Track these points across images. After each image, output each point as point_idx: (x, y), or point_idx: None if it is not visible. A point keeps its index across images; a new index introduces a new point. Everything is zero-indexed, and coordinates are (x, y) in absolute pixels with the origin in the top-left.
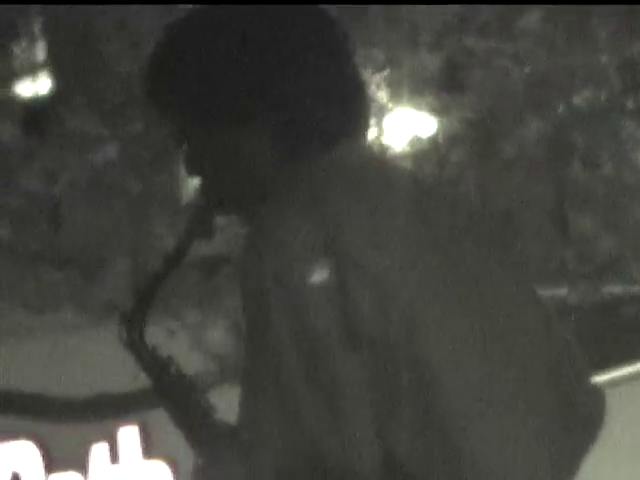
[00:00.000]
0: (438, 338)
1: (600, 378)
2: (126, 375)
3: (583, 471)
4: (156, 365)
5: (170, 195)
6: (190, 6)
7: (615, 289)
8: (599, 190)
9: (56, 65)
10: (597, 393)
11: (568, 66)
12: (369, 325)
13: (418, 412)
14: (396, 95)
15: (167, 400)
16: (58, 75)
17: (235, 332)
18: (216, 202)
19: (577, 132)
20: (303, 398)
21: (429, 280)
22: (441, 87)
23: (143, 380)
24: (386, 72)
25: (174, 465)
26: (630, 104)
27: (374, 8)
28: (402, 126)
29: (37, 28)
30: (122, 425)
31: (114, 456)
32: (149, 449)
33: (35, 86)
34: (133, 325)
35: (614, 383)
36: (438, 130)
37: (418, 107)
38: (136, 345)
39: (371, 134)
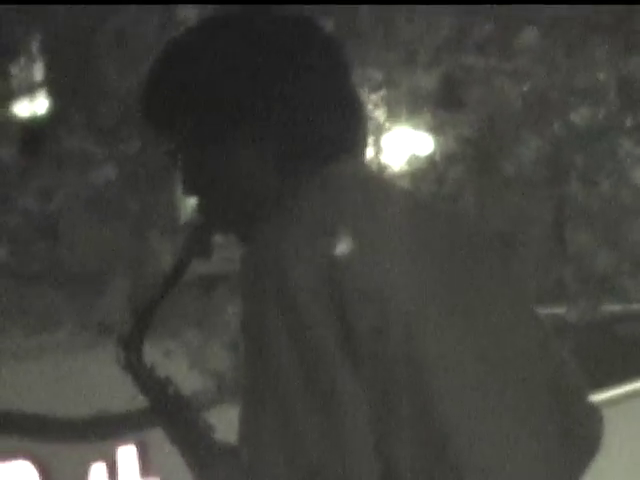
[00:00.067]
0: (437, 354)
1: (598, 396)
2: (124, 395)
3: None
4: (154, 386)
5: (168, 214)
6: (189, 20)
7: (613, 307)
8: (597, 208)
9: (54, 84)
10: (595, 411)
11: (566, 84)
12: (369, 341)
13: (417, 427)
14: (394, 113)
15: (165, 420)
16: (55, 94)
17: (234, 351)
18: (214, 221)
19: (575, 150)
20: (303, 415)
21: (428, 297)
22: (439, 105)
23: (141, 400)
24: (384, 90)
25: None
26: (628, 122)
27: (372, 26)
28: (400, 144)
29: (35, 47)
30: (120, 445)
31: (112, 476)
32: (147, 469)
33: (33, 105)
34: (131, 346)
35: (612, 401)
36: (436, 148)
37: (416, 125)
38: (134, 366)
39: (370, 152)
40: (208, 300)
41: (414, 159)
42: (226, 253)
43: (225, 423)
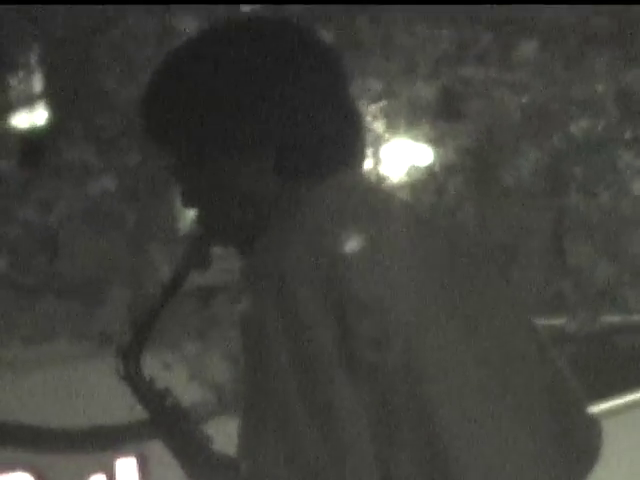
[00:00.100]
0: (436, 364)
1: (597, 407)
2: (123, 406)
3: None
4: (153, 397)
5: (168, 225)
6: (188, 31)
7: (612, 318)
8: (596, 219)
9: (53, 96)
10: (594, 422)
11: (565, 95)
12: (369, 351)
13: (417, 438)
14: (394, 124)
15: (164, 432)
16: (55, 106)
17: (233, 362)
18: (213, 233)
19: (575, 162)
20: (303, 426)
21: (428, 307)
22: (438, 116)
23: (141, 411)
24: (384, 101)
25: None
26: (627, 134)
27: (371, 37)
28: (400, 155)
29: (34, 59)
30: (120, 456)
31: None
32: None
33: (32, 117)
34: (130, 357)
35: (611, 412)
36: (436, 159)
37: (416, 136)
38: (133, 377)
39: (369, 163)
40: (207, 311)
41: (413, 170)
42: (225, 264)
43: (224, 435)
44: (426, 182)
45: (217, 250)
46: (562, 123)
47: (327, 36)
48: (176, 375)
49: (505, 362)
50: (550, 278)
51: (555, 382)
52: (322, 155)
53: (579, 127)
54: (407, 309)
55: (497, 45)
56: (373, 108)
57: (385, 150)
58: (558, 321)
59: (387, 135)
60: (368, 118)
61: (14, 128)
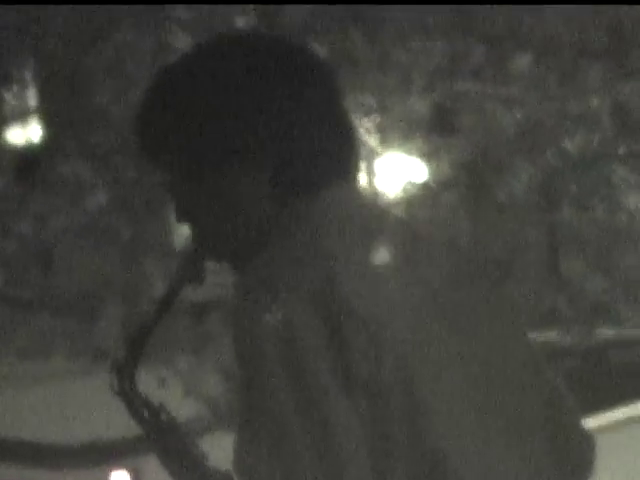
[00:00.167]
0: (431, 381)
1: (591, 422)
2: (118, 421)
3: None
4: (147, 413)
5: (162, 241)
6: (182, 47)
7: (606, 333)
8: (591, 234)
9: (47, 112)
10: (587, 437)
11: (560, 110)
12: (364, 368)
13: (413, 454)
14: (388, 139)
15: (159, 447)
16: (49, 122)
17: (227, 378)
18: (207, 249)
19: (569, 176)
20: (298, 443)
21: (422, 324)
22: (433, 131)
23: (135, 426)
24: (378, 116)
25: None
26: (621, 149)
27: (365, 52)
28: (394, 170)
29: (28, 74)
30: (114, 470)
31: None
32: None
33: (26, 132)
34: (124, 373)
35: (605, 427)
36: (430, 174)
37: (410, 151)
38: (127, 393)
39: (363, 178)
40: (202, 327)
41: (408, 185)
42: (219, 279)
43: (219, 450)
44: (420, 197)
45: (211, 265)
46: (556, 138)
47: (321, 51)
48: (171, 390)
49: (500, 377)
50: (544, 293)
51: (549, 397)
52: (317, 170)
53: (573, 142)
54: (402, 325)
55: (491, 59)
56: (367, 123)
57: (379, 165)
58: (552, 335)
59: (381, 150)
60: (362, 133)
61: (8, 143)
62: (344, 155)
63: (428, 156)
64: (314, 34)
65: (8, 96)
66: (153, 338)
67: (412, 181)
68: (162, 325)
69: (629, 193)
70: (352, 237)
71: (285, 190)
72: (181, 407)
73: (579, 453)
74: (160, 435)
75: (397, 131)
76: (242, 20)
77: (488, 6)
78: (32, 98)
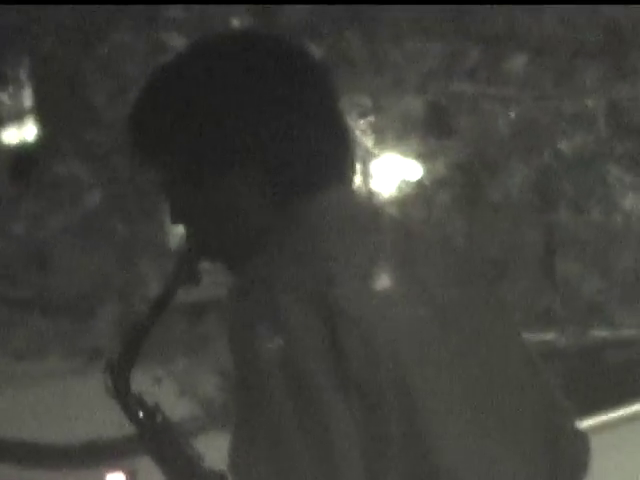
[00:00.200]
0: (426, 381)
1: (587, 422)
2: (114, 422)
3: None
4: (142, 414)
5: (158, 241)
6: (177, 48)
7: (601, 333)
8: (586, 235)
9: (43, 112)
10: (582, 438)
11: (555, 110)
12: (359, 369)
13: (408, 455)
14: (383, 140)
15: (153, 448)
16: (45, 121)
17: (223, 378)
18: (202, 250)
19: (564, 177)
20: (294, 443)
21: (418, 324)
22: (428, 131)
23: (130, 427)
24: (373, 116)
25: None
26: (617, 149)
27: (361, 52)
28: (390, 171)
29: (23, 75)
30: (109, 472)
31: None
32: None
33: (22, 133)
34: (119, 374)
35: (601, 427)
36: (425, 174)
37: (405, 152)
38: (122, 394)
39: (359, 179)
40: (197, 327)
41: (403, 185)
42: (214, 278)
43: (214, 450)
44: (415, 197)
45: (206, 265)
46: (552, 138)
47: (317, 51)
48: (166, 390)
49: (495, 377)
50: (540, 293)
51: (544, 397)
52: (312, 171)
53: (569, 142)
54: (398, 326)
55: (487, 60)
56: (362, 123)
57: (375, 165)
58: (548, 336)
59: (377, 150)
60: (358, 133)
61: (4, 143)
62: (340, 156)
63: (424, 156)
64: (310, 34)
65: (3, 96)
66: (149, 338)
67: (408, 181)
68: (158, 325)
69: (625, 194)
70: (348, 238)
71: (280, 191)
72: (176, 407)
73: (574, 453)
74: (155, 436)
75: (393, 132)
76: (238, 20)
77: (484, 6)
78: (28, 98)
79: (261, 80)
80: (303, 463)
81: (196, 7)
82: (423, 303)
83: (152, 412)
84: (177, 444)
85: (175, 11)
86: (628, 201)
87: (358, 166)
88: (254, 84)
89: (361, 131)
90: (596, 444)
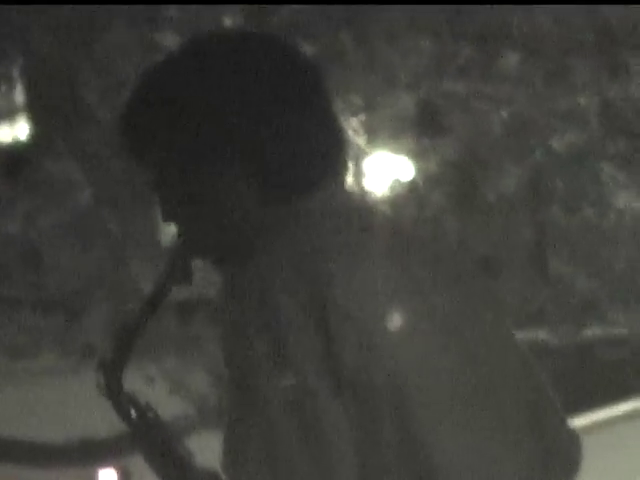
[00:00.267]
0: (419, 378)
1: (578, 420)
2: (106, 420)
3: None
4: (134, 412)
5: (150, 239)
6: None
7: (594, 332)
8: (578, 233)
9: (35, 110)
10: (573, 436)
11: (548, 109)
12: (353, 366)
13: (401, 452)
14: (376, 138)
15: (146, 446)
16: (37, 120)
17: (215, 377)
18: (194, 248)
19: (557, 175)
20: (287, 444)
21: (409, 325)
22: (420, 130)
23: (123, 425)
24: (365, 115)
25: None
26: (610, 147)
27: (353, 51)
28: (382, 169)
29: (16, 72)
30: (101, 469)
31: None
32: None
33: (14, 131)
34: (111, 372)
35: (592, 426)
36: (417, 173)
37: (397, 150)
38: (114, 393)
39: (351, 177)
40: (189, 326)
41: (396, 184)
42: (206, 277)
43: (206, 449)
44: (408, 196)
45: (199, 264)
46: (544, 136)
47: (309, 50)
48: (158, 389)
49: (487, 375)
50: (532, 291)
51: (536, 396)
52: (305, 170)
53: (561, 140)
54: (390, 323)
55: (479, 58)
56: (355, 122)
57: (367, 164)
58: (540, 334)
59: (369, 149)
60: (350, 132)
61: None
62: (333, 155)
63: (416, 155)
64: (303, 34)
65: None
66: (141, 337)
67: (400, 180)
68: (150, 324)
69: (617, 192)
70: (341, 237)
71: (273, 190)
72: (168, 406)
73: (565, 452)
74: (147, 434)
75: (385, 130)
76: (230, 20)
77: (476, 5)
78: (20, 96)
79: (254, 79)
80: (297, 463)
81: (190, 7)
82: (416, 302)
83: (144, 411)
84: (169, 443)
85: (169, 11)
86: (621, 199)
87: (351, 165)
88: (247, 83)
89: (353, 130)
90: (588, 442)
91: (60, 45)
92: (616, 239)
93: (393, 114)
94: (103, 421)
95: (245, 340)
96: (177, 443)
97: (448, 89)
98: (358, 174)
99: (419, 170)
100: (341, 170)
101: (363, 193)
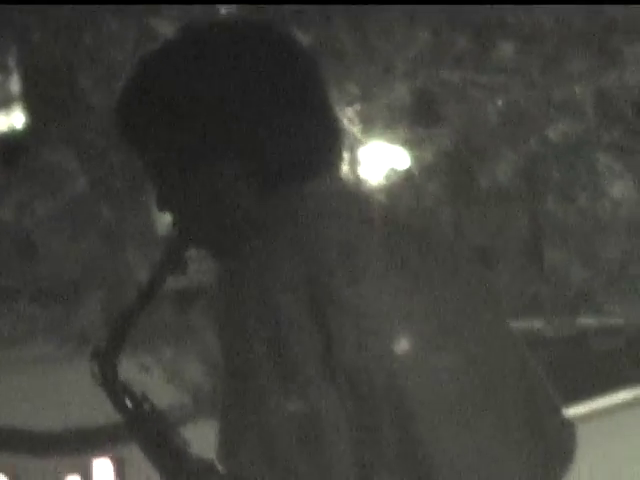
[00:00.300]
0: (414, 369)
1: (574, 410)
2: (101, 409)
3: None
4: (129, 401)
5: (146, 228)
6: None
7: (589, 322)
8: (574, 223)
9: (31, 98)
10: (568, 425)
11: (543, 98)
12: (349, 357)
13: (397, 443)
14: (371, 128)
15: (141, 436)
16: (33, 108)
17: (210, 366)
18: (189, 237)
19: (552, 165)
20: (283, 431)
21: (406, 313)
22: (416, 120)
23: (117, 414)
24: (361, 105)
25: None
26: (605, 137)
27: (348, 40)
28: (377, 159)
29: (11, 61)
30: (96, 458)
31: None
32: None
33: (9, 119)
34: (106, 362)
35: (586, 415)
36: (413, 162)
37: (393, 139)
38: (109, 382)
39: (347, 167)
40: (185, 315)
41: (391, 173)
42: (202, 266)
43: (202, 438)
44: (404, 185)
45: (195, 253)
46: (540, 126)
47: (304, 39)
48: (153, 378)
49: (482, 364)
50: (527, 281)
51: (531, 385)
52: (300, 159)
53: (557, 130)
54: (385, 313)
55: (474, 47)
56: (351, 111)
57: (363, 153)
58: (535, 324)
59: (365, 138)
60: (345, 121)
61: None
62: (328, 144)
63: (411, 144)
64: (298, 23)
65: None
66: (136, 326)
67: (396, 169)
68: (145, 313)
69: (613, 182)
70: (337, 226)
71: (269, 179)
72: (164, 395)
73: (560, 441)
74: (142, 423)
75: (380, 120)
76: (227, 8)
77: (475, 5)
78: (15, 85)
79: (249, 68)
80: (292, 452)
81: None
82: (410, 292)
83: (139, 400)
84: (165, 432)
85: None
86: (616, 189)
87: (346, 154)
88: (242, 72)
89: (349, 119)
90: (582, 432)
91: (55, 33)
92: (612, 229)
93: (389, 103)
94: (98, 410)
95: (242, 334)
96: (173, 432)
97: (444, 78)
98: (354, 164)
99: (415, 159)
100: (336, 159)
101: (359, 182)
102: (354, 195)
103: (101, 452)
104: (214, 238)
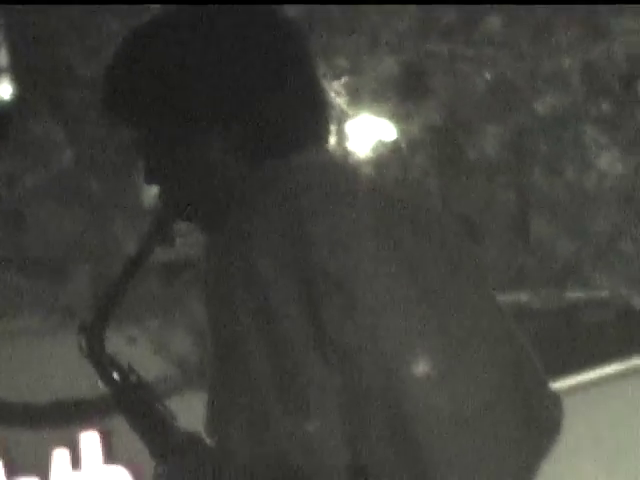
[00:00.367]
0: (402, 341)
1: (561, 383)
2: (88, 381)
3: (540, 476)
4: (116, 374)
5: (132, 201)
6: (153, 8)
7: (576, 295)
8: (561, 196)
9: (17, 71)
10: (554, 398)
11: (531, 71)
12: (337, 330)
13: (386, 418)
14: (359, 101)
15: (128, 408)
16: (19, 80)
17: (198, 337)
18: (177, 210)
19: (539, 137)
20: (271, 403)
21: (393, 286)
22: (403, 92)
23: (104, 387)
24: (348, 78)
25: (135, 471)
26: (593, 110)
27: (336, 14)
28: (365, 132)
29: None
30: (83, 431)
31: (75, 462)
32: (110, 455)
33: None
34: (93, 334)
35: (574, 388)
36: (401, 135)
37: (380, 112)
38: (96, 354)
39: (334, 139)
40: (171, 286)
41: (378, 146)
42: (189, 239)
43: (188, 410)
44: (391, 158)
45: (182, 226)
46: (528, 99)
47: (292, 12)
48: (140, 350)
49: (468, 337)
50: (514, 253)
51: (517, 358)
52: (288, 132)
53: (545, 103)
54: (372, 284)
55: (462, 20)
56: (338, 84)
57: (350, 126)
58: (522, 297)
59: (352, 111)
60: (333, 94)
61: None
62: (315, 117)
63: (399, 117)
64: None
65: None
66: (123, 298)
67: (383, 142)
68: (131, 285)
69: (600, 154)
70: (323, 199)
71: (256, 152)
72: (150, 367)
73: (546, 414)
74: (129, 396)
75: (368, 92)
76: None
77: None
78: (2, 57)
79: (236, 40)
80: (281, 420)
81: None
82: (397, 264)
83: (126, 372)
84: (151, 404)
85: None
86: (603, 162)
87: (333, 127)
88: (229, 44)
89: (336, 92)
90: (569, 404)
91: (42, 6)
92: (599, 202)
93: (376, 76)
94: (85, 383)
95: (230, 306)
96: (159, 404)
97: (432, 51)
98: (341, 136)
99: (402, 132)
100: (324, 133)
101: (346, 155)
102: (341, 167)
103: (88, 425)
104: (202, 210)
